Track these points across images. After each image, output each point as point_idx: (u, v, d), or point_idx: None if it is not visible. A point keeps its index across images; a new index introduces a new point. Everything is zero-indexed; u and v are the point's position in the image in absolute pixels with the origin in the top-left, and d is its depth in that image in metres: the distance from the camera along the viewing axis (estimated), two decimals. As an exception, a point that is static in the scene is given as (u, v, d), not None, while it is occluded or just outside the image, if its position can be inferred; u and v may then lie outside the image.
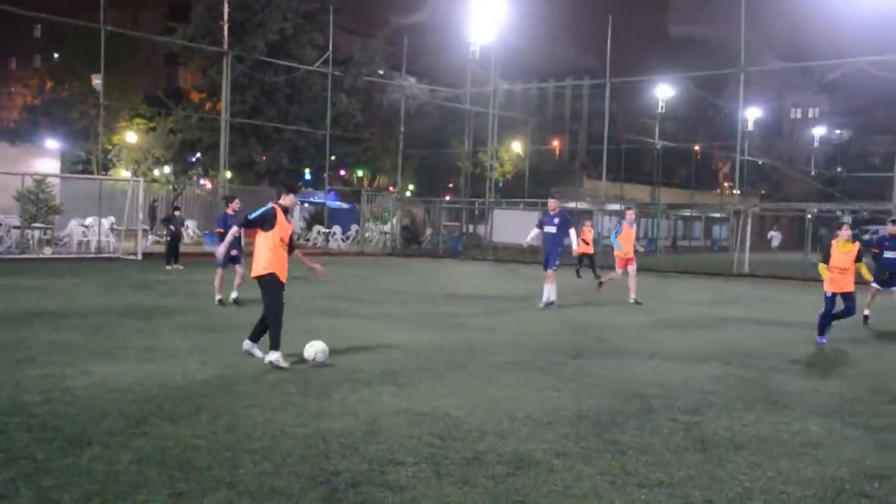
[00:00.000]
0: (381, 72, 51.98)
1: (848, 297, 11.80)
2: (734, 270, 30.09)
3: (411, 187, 57.39)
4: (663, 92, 53.39)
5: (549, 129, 73.07)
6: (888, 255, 13.94)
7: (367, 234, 40.82)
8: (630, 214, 17.59)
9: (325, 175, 41.21)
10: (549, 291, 15.46)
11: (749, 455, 6.06)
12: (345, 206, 46.23)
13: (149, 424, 6.31)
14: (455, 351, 10.35)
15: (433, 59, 54.81)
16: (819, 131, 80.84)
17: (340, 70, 42.52)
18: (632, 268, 17.16)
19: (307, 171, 48.29)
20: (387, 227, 40.94)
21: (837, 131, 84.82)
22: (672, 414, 7.25)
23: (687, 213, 56.77)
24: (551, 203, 15.90)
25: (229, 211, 15.23)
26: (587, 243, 25.38)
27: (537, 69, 67.83)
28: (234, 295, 14.50)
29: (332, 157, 42.95)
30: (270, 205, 8.95)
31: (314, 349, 8.88)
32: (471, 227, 46.59)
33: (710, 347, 11.42)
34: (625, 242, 17.13)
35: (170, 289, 17.44)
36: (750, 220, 32.77)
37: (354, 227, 41.17)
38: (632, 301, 16.86)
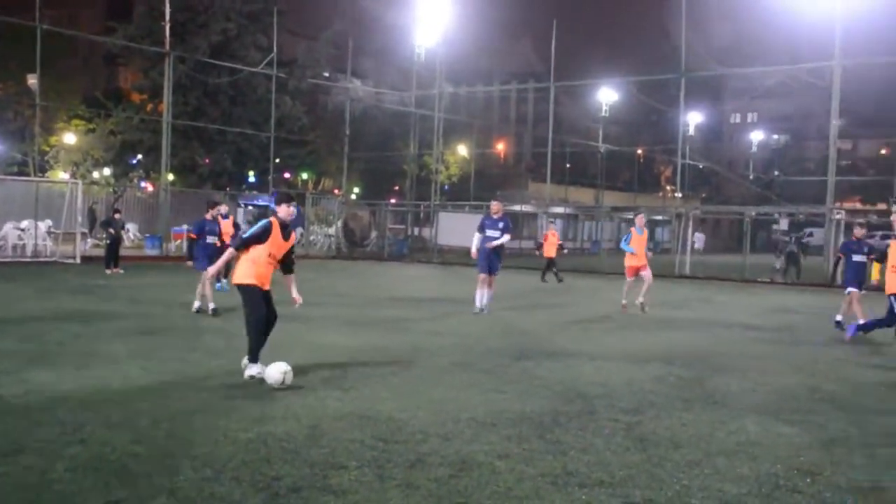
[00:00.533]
0: (326, 74, 51.70)
1: None
2: (675, 272, 30.59)
3: (356, 190, 57.18)
4: (607, 96, 54.06)
5: (494, 131, 73.37)
6: (857, 258, 14.09)
7: (311, 237, 40.54)
8: (640, 219, 16.74)
9: (270, 178, 40.83)
10: (489, 295, 15.23)
11: (688, 454, 6.16)
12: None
13: (86, 432, 6.18)
14: (399, 353, 10.34)
15: (378, 62, 54.64)
16: (757, 136, 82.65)
17: (285, 72, 42.19)
18: (646, 273, 16.26)
19: (251, 173, 47.79)
20: (332, 230, 40.74)
21: (775, 136, 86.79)
22: (613, 414, 7.34)
23: (630, 215, 57.52)
24: (494, 206, 15.43)
25: (208, 216, 14.60)
26: (549, 247, 25.56)
27: (482, 72, 68.09)
28: (197, 304, 13.95)
29: (277, 160, 42.57)
30: (268, 219, 8.48)
31: (281, 373, 7.86)
32: (416, 230, 46.62)
33: (651, 348, 11.58)
34: (637, 248, 16.32)
35: (110, 293, 17.10)
36: (691, 223, 33.36)
37: (299, 229, 40.85)
38: (638, 303, 16.22)
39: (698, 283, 27.86)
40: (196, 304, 13.94)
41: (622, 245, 16.73)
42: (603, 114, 55.33)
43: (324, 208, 42.61)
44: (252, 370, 8.19)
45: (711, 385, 8.93)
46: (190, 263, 14.19)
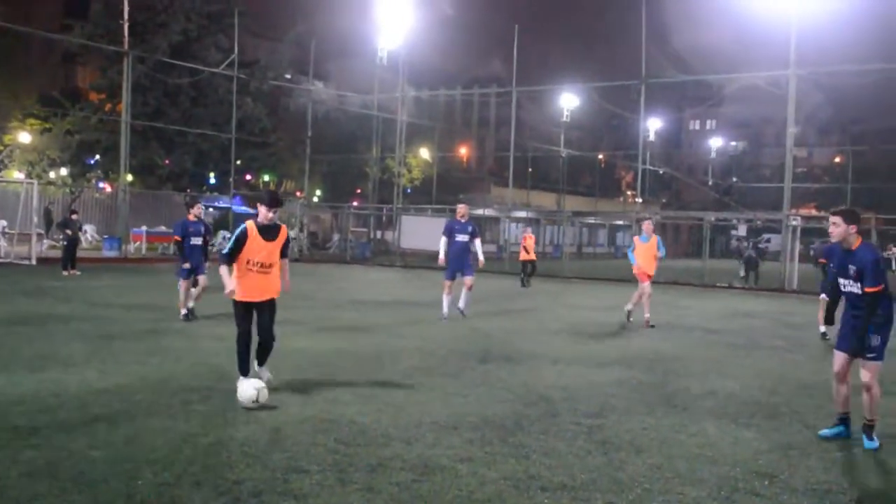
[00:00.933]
0: (289, 76, 51.39)
1: None
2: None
3: (319, 193, 56.90)
4: (569, 101, 54.43)
5: (457, 135, 73.57)
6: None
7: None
8: (647, 226, 15.64)
9: (231, 179, 40.48)
10: (466, 298, 14.98)
11: (649, 457, 6.21)
12: (251, 210, 45.51)
13: (41, 436, 6.07)
14: (362, 357, 10.30)
15: (341, 64, 54.50)
16: (716, 143, 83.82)
17: (246, 73, 41.86)
18: (646, 285, 15.38)
19: (212, 175, 47.33)
20: (293, 233, 40.51)
21: (733, 143, 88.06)
22: (575, 418, 7.38)
23: (591, 220, 58.02)
24: (461, 209, 15.18)
25: (191, 217, 13.84)
26: (528, 251, 25.67)
27: (445, 76, 68.24)
28: (190, 304, 13.41)
29: (238, 162, 42.23)
30: (243, 225, 7.84)
31: (256, 391, 7.29)
32: (379, 234, 46.53)
33: (613, 352, 11.66)
34: (641, 258, 15.29)
35: (66, 295, 16.82)
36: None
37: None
38: (626, 309, 15.57)
39: (659, 287, 28.08)
40: (190, 304, 13.44)
41: (629, 255, 15.71)
42: (564, 119, 55.71)
43: (285, 211, 42.32)
44: (243, 384, 7.55)
45: (672, 389, 9.01)
46: (187, 265, 13.59)
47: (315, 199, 53.17)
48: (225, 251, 7.84)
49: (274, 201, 7.85)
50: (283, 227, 8.06)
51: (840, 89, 48.24)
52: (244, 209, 45.18)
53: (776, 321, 17.33)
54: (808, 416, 7.86)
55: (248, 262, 7.75)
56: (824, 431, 7.10)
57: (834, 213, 6.98)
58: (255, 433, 6.38)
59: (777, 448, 6.65)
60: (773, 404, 8.41)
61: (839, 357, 7.01)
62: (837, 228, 6.87)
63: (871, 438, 6.83)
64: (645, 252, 15.35)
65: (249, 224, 7.81)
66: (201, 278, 13.52)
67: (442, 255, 14.84)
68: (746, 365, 11.09)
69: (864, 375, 6.81)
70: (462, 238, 14.78)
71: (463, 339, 12.42)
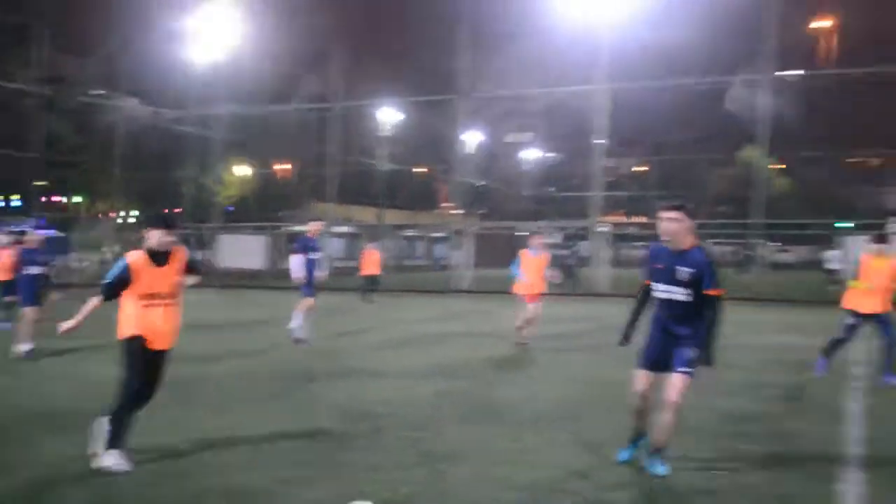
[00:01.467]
0: (100, 92, 48.99)
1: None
2: (455, 287, 31.43)
3: (135, 213, 54.45)
4: (389, 116, 54.82)
5: (277, 151, 72.41)
6: None
7: (81, 264, 38.04)
8: (535, 239, 14.02)
9: (34, 202, 38.00)
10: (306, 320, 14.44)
11: (470, 466, 6.34)
12: (51, 233, 42.78)
13: None
14: (181, 384, 9.85)
15: (156, 80, 52.48)
16: (532, 154, 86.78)
17: (52, 89, 39.52)
18: (535, 305, 13.78)
19: (15, 197, 44.28)
20: (108, 255, 38.47)
21: (547, 154, 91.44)
22: (399, 431, 7.42)
23: (410, 233, 58.69)
24: (317, 227, 14.76)
25: (30, 244, 12.77)
26: (371, 266, 25.66)
27: (264, 92, 67.01)
28: (25, 346, 11.97)
29: (44, 182, 39.72)
30: (125, 258, 6.34)
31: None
32: (198, 254, 45.02)
33: (434, 363, 11.81)
34: (529, 273, 13.66)
35: None
36: (471, 240, 34.44)
37: (73, 255, 38.17)
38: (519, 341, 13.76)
39: (479, 296, 28.74)
40: (25, 346, 12.05)
41: (511, 269, 13.98)
42: (384, 133, 56.06)
43: (96, 232, 40.20)
44: (106, 460, 6.10)
45: (492, 397, 9.24)
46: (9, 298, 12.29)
47: (131, 220, 50.81)
48: (109, 281, 6.35)
49: (172, 223, 6.52)
50: (177, 249, 6.58)
51: (644, 103, 51.24)
52: (52, 231, 42.55)
53: (587, 324, 18.10)
54: (617, 414, 8.25)
55: (149, 296, 6.34)
56: (623, 455, 6.48)
57: (671, 208, 6.04)
58: (55, 472, 6.00)
59: (589, 450, 6.94)
60: (587, 405, 8.79)
61: (642, 376, 6.26)
62: (681, 224, 5.98)
63: (661, 463, 6.15)
64: (534, 267, 13.72)
65: (131, 256, 6.34)
66: (30, 310, 12.26)
67: (303, 274, 13.97)
68: (562, 370, 11.53)
69: (672, 392, 5.98)
70: (315, 256, 14.28)
71: (287, 359, 12.22)
